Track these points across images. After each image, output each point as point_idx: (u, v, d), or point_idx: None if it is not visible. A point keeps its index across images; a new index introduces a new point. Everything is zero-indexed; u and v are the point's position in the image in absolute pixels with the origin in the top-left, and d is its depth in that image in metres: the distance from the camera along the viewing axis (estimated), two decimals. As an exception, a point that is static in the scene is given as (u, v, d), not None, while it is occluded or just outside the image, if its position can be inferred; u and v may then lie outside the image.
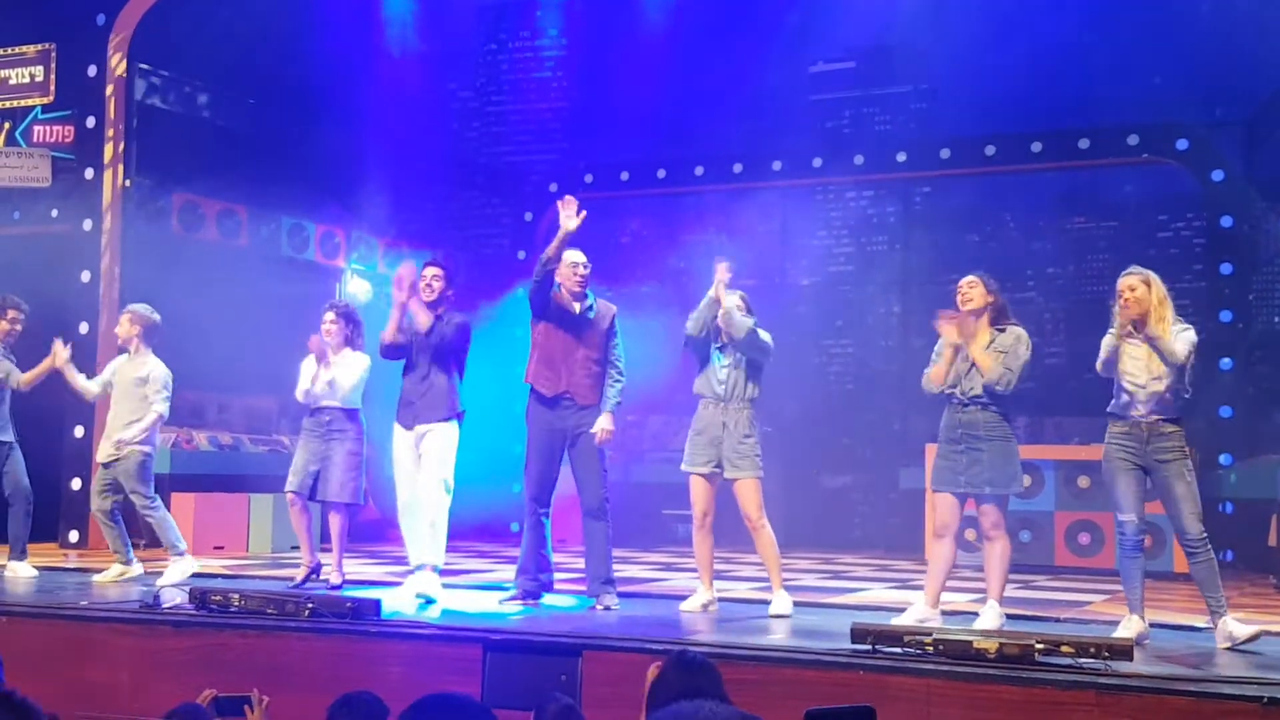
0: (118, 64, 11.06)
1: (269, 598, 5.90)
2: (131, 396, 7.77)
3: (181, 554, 7.76)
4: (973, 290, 6.19)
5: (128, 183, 11.02)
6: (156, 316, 7.97)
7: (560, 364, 6.82)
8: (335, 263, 13.16)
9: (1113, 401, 5.85)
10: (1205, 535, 5.60)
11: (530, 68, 15.00)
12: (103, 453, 7.85)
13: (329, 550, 7.69)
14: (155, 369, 7.82)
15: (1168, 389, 5.66)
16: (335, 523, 7.59)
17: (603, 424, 6.74)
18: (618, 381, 6.86)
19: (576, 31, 14.58)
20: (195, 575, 7.72)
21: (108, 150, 10.92)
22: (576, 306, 6.87)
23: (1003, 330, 6.18)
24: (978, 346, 6.07)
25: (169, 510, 8.07)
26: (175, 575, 7.55)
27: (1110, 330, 5.79)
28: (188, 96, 11.85)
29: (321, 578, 7.58)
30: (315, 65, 11.89)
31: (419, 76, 12.70)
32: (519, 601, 6.80)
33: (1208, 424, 11.31)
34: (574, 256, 6.92)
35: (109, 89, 10.99)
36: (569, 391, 6.78)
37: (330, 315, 7.66)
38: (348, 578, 7.83)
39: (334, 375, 7.51)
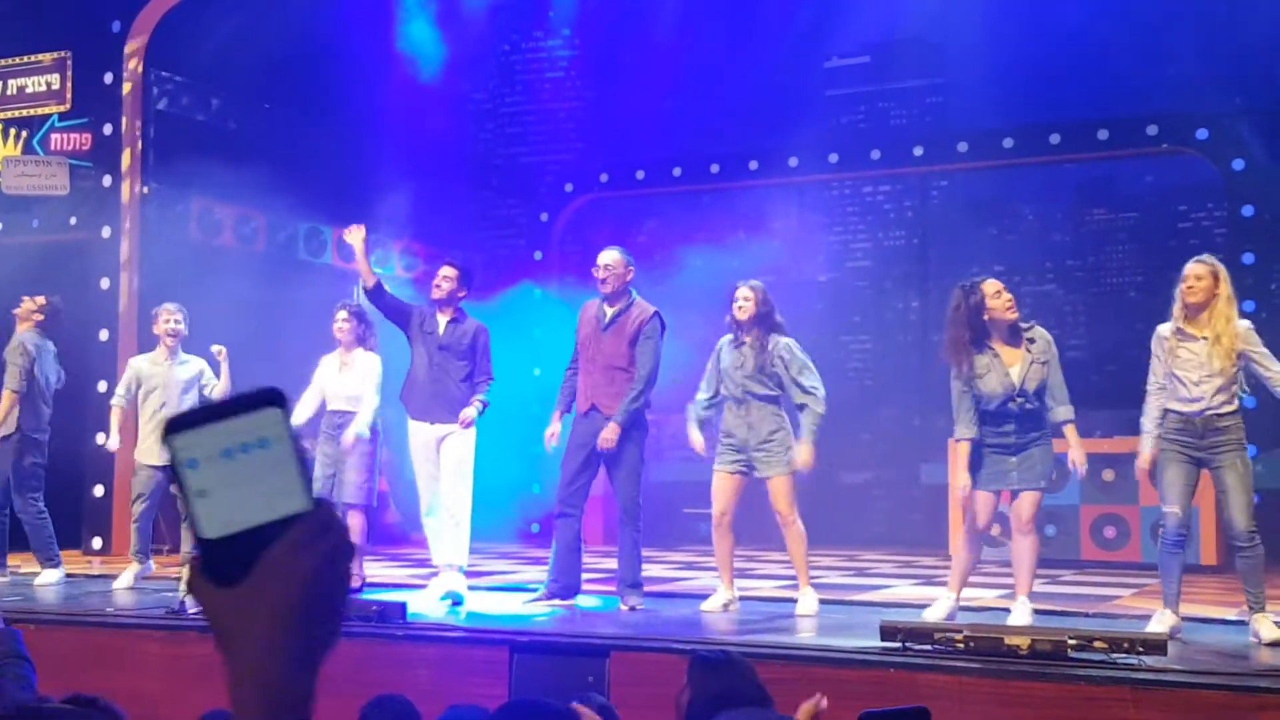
0: (134, 71, 11.07)
1: (294, 602, 5.88)
2: (182, 398, 7.88)
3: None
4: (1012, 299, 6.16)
5: (145, 189, 11.03)
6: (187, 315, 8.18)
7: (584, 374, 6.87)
8: (352, 266, 13.13)
9: (1165, 399, 5.74)
10: (1254, 530, 5.52)
11: (544, 68, 15.00)
12: (155, 456, 7.80)
13: None
14: (204, 366, 8.05)
15: (1224, 385, 5.58)
16: (354, 524, 7.57)
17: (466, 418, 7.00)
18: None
19: (590, 31, 14.56)
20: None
21: (125, 157, 10.94)
22: (608, 312, 6.84)
23: (1031, 339, 6.10)
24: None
25: None
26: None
27: (1159, 328, 5.74)
28: (204, 102, 11.86)
29: None
30: (330, 69, 11.90)
31: (435, 79, 12.69)
32: (545, 602, 6.78)
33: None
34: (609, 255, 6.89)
35: (125, 96, 11.00)
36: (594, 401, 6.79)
37: (343, 314, 7.67)
38: (372, 581, 7.82)
39: (341, 378, 7.53)
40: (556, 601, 6.78)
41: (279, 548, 0.89)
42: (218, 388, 8.00)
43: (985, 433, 6.09)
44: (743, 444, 6.57)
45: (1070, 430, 6.11)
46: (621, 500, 6.76)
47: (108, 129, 10.97)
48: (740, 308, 6.63)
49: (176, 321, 8.00)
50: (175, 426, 0.90)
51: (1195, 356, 5.60)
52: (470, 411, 7.03)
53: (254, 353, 8.88)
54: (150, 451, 7.87)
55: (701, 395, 6.81)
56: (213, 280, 10.43)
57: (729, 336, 6.78)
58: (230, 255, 11.54)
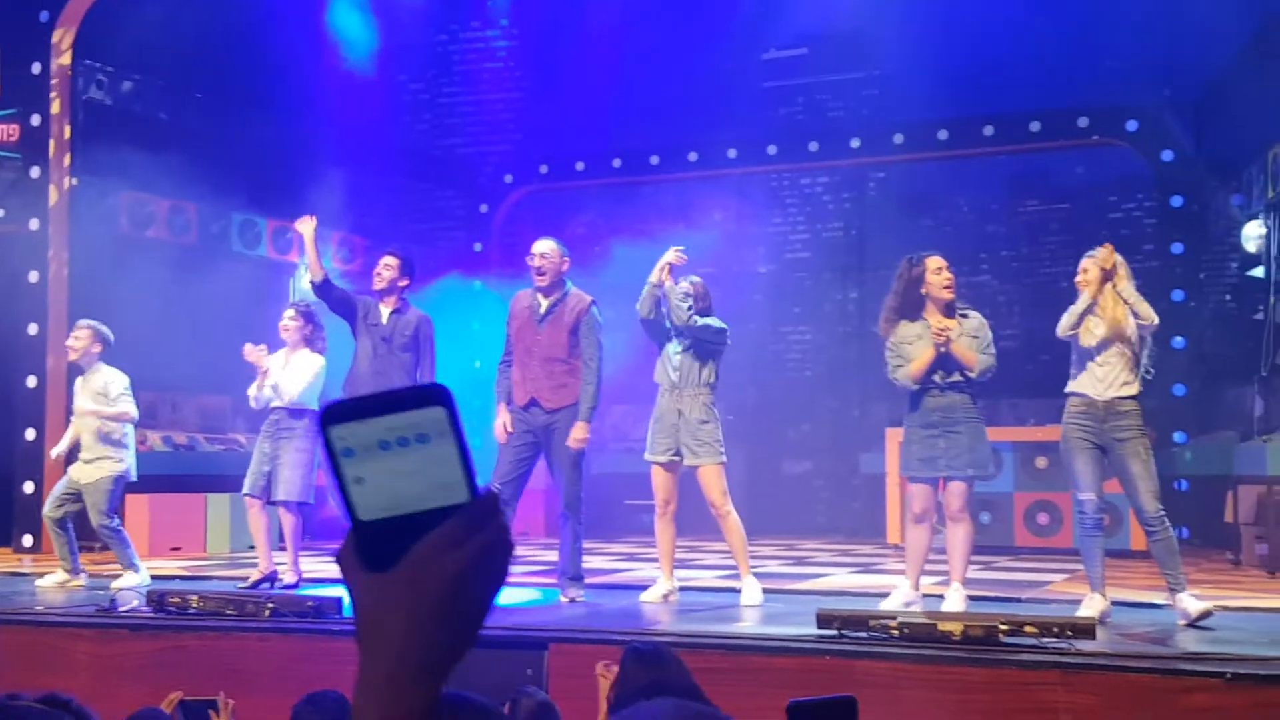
0: (62, 61, 10.87)
1: (228, 598, 5.83)
2: (94, 404, 7.61)
3: (136, 570, 7.62)
4: (951, 277, 6.22)
5: (74, 181, 10.84)
6: (110, 333, 7.80)
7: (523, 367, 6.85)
8: (288, 258, 13.02)
9: (1070, 379, 5.89)
10: (1163, 513, 5.64)
11: (482, 58, 14.88)
12: (75, 472, 7.62)
13: (284, 550, 7.64)
14: (112, 374, 7.68)
15: (1126, 366, 5.71)
16: (287, 522, 7.53)
17: None
18: None
19: (528, 22, 14.48)
20: (153, 577, 7.64)
21: (53, 148, 10.73)
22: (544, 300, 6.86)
23: (965, 316, 6.20)
24: (961, 344, 6.06)
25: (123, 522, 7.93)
26: (130, 581, 7.43)
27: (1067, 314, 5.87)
28: (135, 92, 11.67)
29: (278, 579, 7.53)
30: (264, 58, 11.75)
31: (371, 69, 12.58)
32: None
33: (1161, 402, 11.42)
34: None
35: (54, 86, 10.80)
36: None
37: (290, 313, 7.64)
38: (309, 576, 7.77)
39: (282, 377, 7.49)
40: None
41: (434, 537, 0.87)
42: (121, 401, 7.67)
43: (914, 418, 6.16)
44: (672, 428, 6.59)
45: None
46: (565, 494, 6.74)
47: (36, 120, 10.76)
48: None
49: (76, 338, 7.74)
50: (331, 418, 0.88)
51: (1095, 337, 5.76)
52: None
53: (186, 345, 8.77)
54: (75, 468, 7.65)
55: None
56: (145, 272, 10.29)
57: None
58: (162, 247, 11.36)
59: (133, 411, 7.68)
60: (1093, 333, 5.76)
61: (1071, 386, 5.87)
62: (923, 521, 6.21)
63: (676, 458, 6.62)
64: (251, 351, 7.46)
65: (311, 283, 7.24)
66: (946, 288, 6.15)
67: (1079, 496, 5.81)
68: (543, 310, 6.78)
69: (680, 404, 6.61)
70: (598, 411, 6.79)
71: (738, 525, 6.60)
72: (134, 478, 7.80)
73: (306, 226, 7.22)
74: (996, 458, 10.38)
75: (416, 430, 0.88)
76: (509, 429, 6.72)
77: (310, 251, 7.14)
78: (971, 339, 6.10)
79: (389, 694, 0.87)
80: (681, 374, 6.61)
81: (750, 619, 5.98)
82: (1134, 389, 5.75)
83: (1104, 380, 5.72)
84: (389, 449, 0.87)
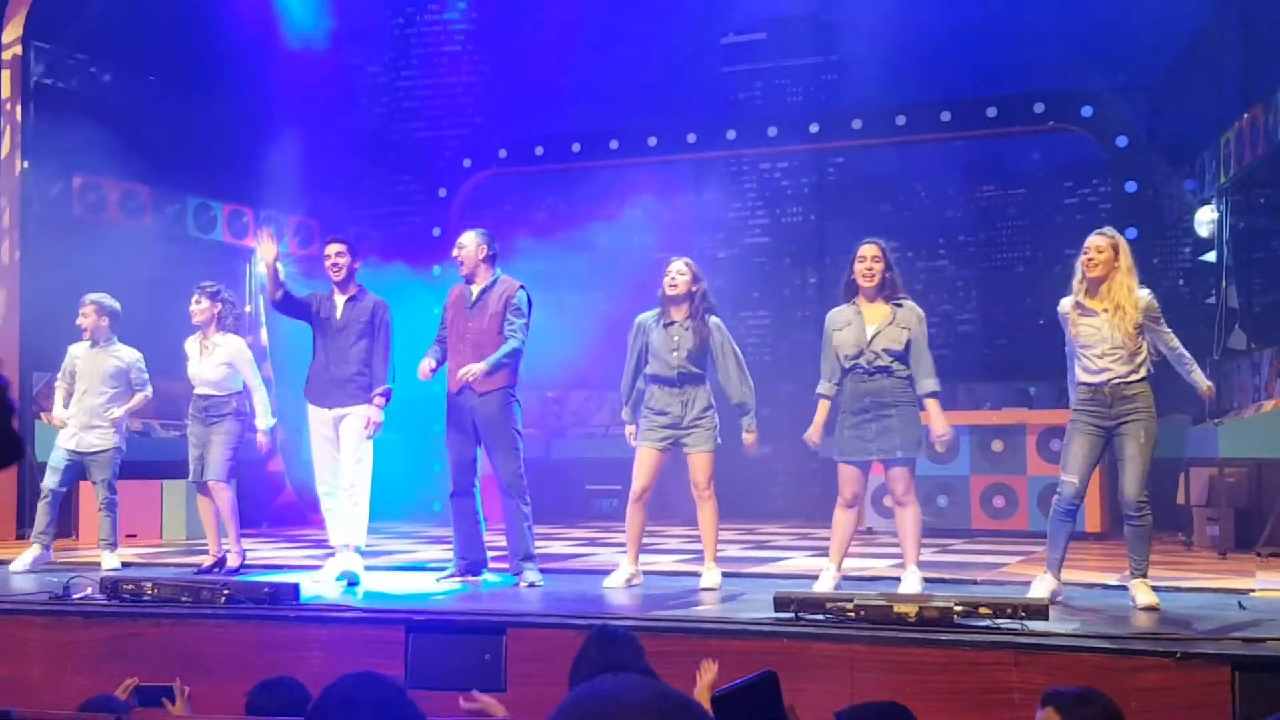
0: (12, 43, 10.70)
1: (183, 585, 5.79)
2: (106, 386, 7.82)
3: (114, 549, 7.88)
4: (876, 265, 6.22)
5: (24, 164, 10.69)
6: (118, 305, 8.00)
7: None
8: (244, 242, 12.90)
9: (1075, 371, 5.80)
10: (1145, 499, 5.60)
11: (440, 42, 14.79)
12: (76, 441, 7.81)
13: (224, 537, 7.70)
14: (131, 354, 7.96)
15: (1131, 352, 5.64)
16: (223, 496, 7.58)
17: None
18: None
19: (486, 4, 14.41)
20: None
21: (4, 132, 10.58)
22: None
23: (900, 305, 6.22)
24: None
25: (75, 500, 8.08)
26: (111, 563, 7.68)
27: (1062, 301, 5.80)
28: (87, 75, 11.49)
29: (226, 565, 7.54)
30: (220, 40, 11.62)
31: (327, 52, 12.47)
32: (457, 579, 6.79)
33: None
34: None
35: (3, 69, 10.63)
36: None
37: (195, 296, 7.67)
38: (266, 562, 7.74)
39: (202, 363, 7.59)
40: (468, 578, 6.80)
41: None
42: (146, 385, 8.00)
43: (845, 401, 6.21)
44: (675, 421, 6.58)
45: (932, 404, 6.19)
46: (502, 474, 6.78)
47: (-15, 102, 10.60)
48: (673, 283, 6.62)
49: (84, 315, 7.91)
50: None
51: (1096, 331, 5.64)
52: (375, 414, 6.96)
53: (143, 330, 8.68)
54: (69, 436, 7.88)
55: (627, 379, 6.78)
56: (98, 257, 10.16)
57: (652, 314, 6.75)
58: (116, 231, 11.22)
59: (149, 394, 8.06)
60: (1094, 330, 5.67)
61: (1078, 377, 5.76)
62: (852, 506, 6.25)
63: (671, 446, 6.62)
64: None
65: (271, 301, 7.17)
66: (865, 276, 6.20)
67: (1061, 477, 5.80)
68: (473, 298, 6.86)
69: (684, 396, 6.60)
70: (557, 398, 6.83)
71: (715, 511, 6.65)
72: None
73: (269, 251, 7.03)
74: (954, 441, 10.48)
75: None
76: (432, 372, 6.85)
77: (269, 272, 7.00)
78: (902, 330, 6.12)
79: None
80: (680, 369, 6.59)
81: (708, 601, 6.00)
82: (1142, 373, 5.67)
83: (1109, 371, 5.65)
84: None
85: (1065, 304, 5.79)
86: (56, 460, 7.86)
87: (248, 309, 12.26)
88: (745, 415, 6.71)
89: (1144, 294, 5.70)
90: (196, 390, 7.67)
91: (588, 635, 3.46)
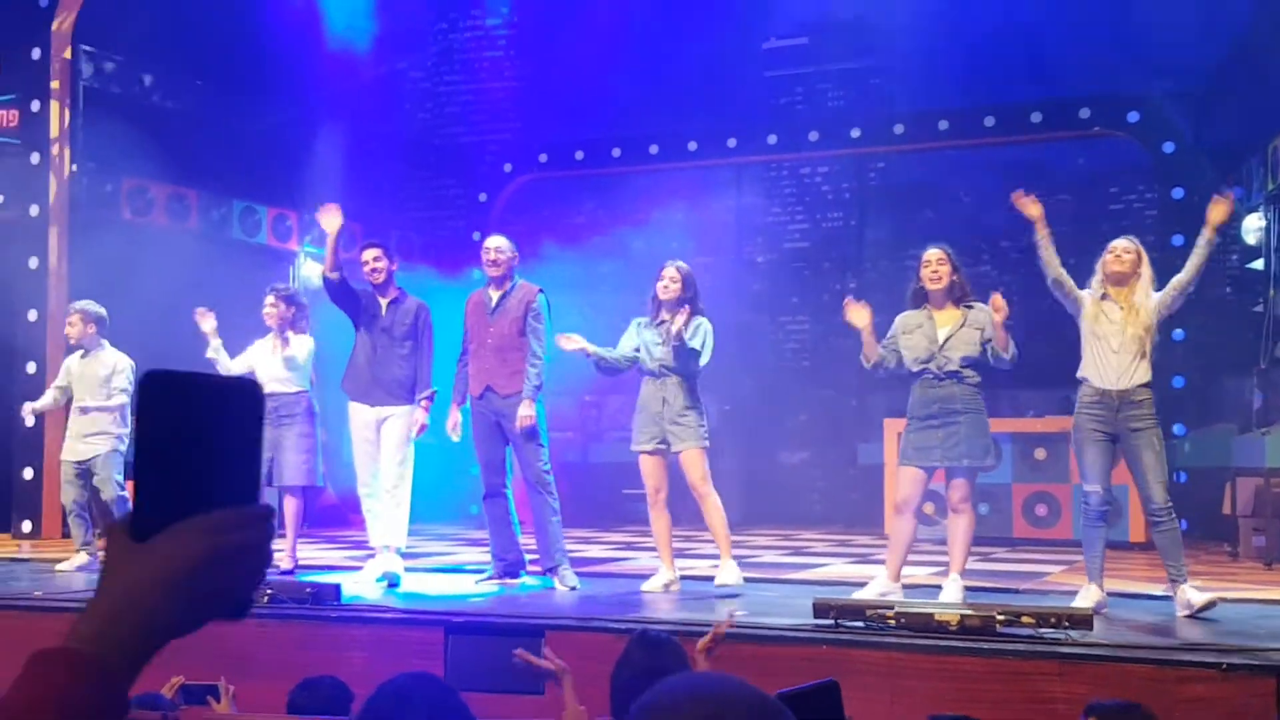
0: (62, 47, 10.85)
1: (227, 585, 5.83)
2: (98, 394, 7.73)
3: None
4: (942, 268, 6.19)
5: (74, 167, 10.83)
6: (103, 310, 7.90)
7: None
8: (288, 246, 13.01)
9: (1081, 367, 5.85)
10: (1170, 504, 5.62)
11: (482, 47, 14.87)
12: (75, 453, 7.77)
13: (283, 537, 7.63)
14: (119, 360, 7.81)
15: (1140, 356, 5.67)
16: (291, 506, 7.52)
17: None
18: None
19: (528, 10, 14.47)
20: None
21: (53, 134, 10.72)
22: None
23: (971, 308, 6.19)
24: (998, 324, 5.99)
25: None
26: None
27: (1086, 291, 5.84)
28: (134, 79, 11.64)
29: (273, 564, 7.52)
30: (266, 45, 11.72)
31: (370, 57, 12.56)
32: (496, 581, 6.82)
33: (1160, 394, 11.35)
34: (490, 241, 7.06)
35: (54, 72, 10.78)
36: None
37: (270, 298, 7.63)
38: (308, 563, 7.77)
39: (274, 361, 7.51)
40: (506, 580, 6.83)
41: (200, 519, 0.90)
42: (117, 395, 7.82)
43: (912, 407, 6.16)
44: (656, 417, 6.58)
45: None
46: (529, 473, 6.83)
47: (35, 106, 10.75)
48: (665, 288, 6.63)
49: (70, 324, 7.83)
50: (159, 389, 0.90)
51: (1114, 324, 5.71)
52: (421, 415, 7.01)
53: (186, 333, 8.75)
54: (69, 448, 7.82)
55: (611, 351, 6.75)
56: (144, 259, 10.28)
57: (647, 316, 6.77)
58: (162, 234, 11.35)
59: (124, 402, 7.80)
60: (1111, 323, 5.72)
61: (1083, 372, 5.83)
62: (905, 511, 6.16)
63: (663, 445, 6.61)
64: (202, 315, 7.46)
65: (325, 277, 7.17)
66: (932, 279, 6.16)
67: (1085, 487, 5.80)
68: (493, 303, 6.92)
69: (664, 392, 6.59)
70: (595, 403, 6.85)
71: (718, 506, 6.58)
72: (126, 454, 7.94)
73: (332, 221, 6.99)
74: (995, 449, 10.41)
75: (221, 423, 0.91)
76: (457, 430, 6.94)
77: (331, 244, 7.02)
78: (975, 330, 6.10)
79: (93, 650, 0.88)
80: (663, 363, 6.60)
81: (746, 608, 5.98)
82: (1148, 377, 5.73)
83: (1118, 370, 5.70)
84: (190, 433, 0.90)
85: (1085, 295, 5.84)
86: (66, 474, 7.82)
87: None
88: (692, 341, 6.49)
89: (1154, 297, 5.83)
90: (265, 390, 7.56)
91: (630, 639, 3.46)
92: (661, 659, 3.27)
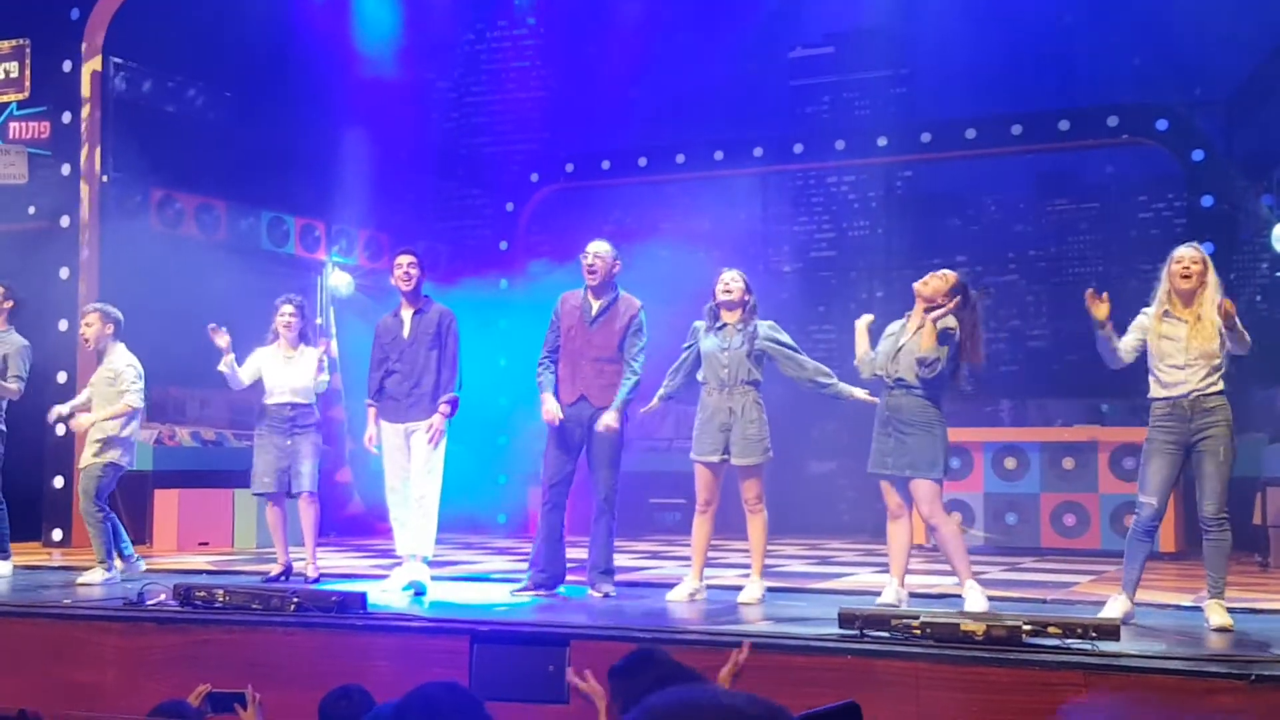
0: (93, 58, 10.96)
1: (254, 593, 5.87)
2: (105, 395, 7.64)
3: (109, 567, 7.50)
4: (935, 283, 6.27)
5: (105, 178, 10.93)
6: (120, 313, 7.82)
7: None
8: (316, 256, 13.10)
9: (1151, 386, 5.73)
10: (1223, 516, 5.54)
11: (509, 57, 14.95)
12: (83, 461, 7.71)
13: (304, 546, 7.66)
14: (123, 360, 7.66)
15: (1210, 366, 5.57)
16: (309, 513, 7.55)
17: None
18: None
19: (554, 20, 14.53)
20: (182, 571, 7.70)
21: (84, 145, 10.83)
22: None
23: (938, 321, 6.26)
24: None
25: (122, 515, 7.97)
26: (95, 578, 7.37)
27: (1144, 310, 5.74)
28: (164, 90, 11.75)
29: (296, 573, 7.56)
30: (294, 57, 11.82)
31: (398, 68, 12.64)
32: (531, 592, 6.77)
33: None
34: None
35: (85, 84, 10.89)
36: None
37: (289, 309, 7.68)
38: (334, 571, 7.80)
39: (291, 372, 7.59)
40: (541, 592, 6.77)
41: None
42: (128, 394, 7.64)
43: (877, 415, 6.23)
44: (724, 429, 6.54)
45: None
46: (600, 489, 6.77)
47: (67, 117, 10.86)
48: (727, 290, 6.60)
49: (87, 324, 7.74)
50: None
51: (1176, 341, 5.60)
52: (438, 420, 7.02)
53: (213, 344, 8.81)
54: (82, 457, 7.72)
55: (671, 371, 6.77)
56: (174, 269, 10.36)
57: (705, 321, 6.73)
58: (191, 244, 11.45)
59: (136, 403, 7.63)
60: (1173, 341, 5.61)
61: (1152, 392, 5.69)
62: (898, 517, 6.25)
63: (725, 456, 6.56)
64: (215, 331, 7.54)
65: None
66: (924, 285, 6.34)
67: (1140, 498, 5.73)
68: (594, 312, 6.81)
69: (731, 402, 6.54)
70: (632, 409, 6.83)
71: (765, 525, 6.58)
72: (129, 467, 7.83)
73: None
74: (1023, 458, 10.36)
75: None
76: (559, 417, 6.73)
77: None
78: (930, 342, 6.13)
79: None
80: (730, 371, 6.55)
81: (771, 617, 5.97)
82: (1220, 384, 5.59)
83: (1187, 383, 5.57)
84: None
85: (1147, 315, 5.73)
86: (79, 483, 7.76)
87: (319, 320, 12.43)
88: (831, 382, 6.62)
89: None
90: (276, 400, 7.57)
91: (632, 655, 3.40)
92: (644, 678, 3.21)
